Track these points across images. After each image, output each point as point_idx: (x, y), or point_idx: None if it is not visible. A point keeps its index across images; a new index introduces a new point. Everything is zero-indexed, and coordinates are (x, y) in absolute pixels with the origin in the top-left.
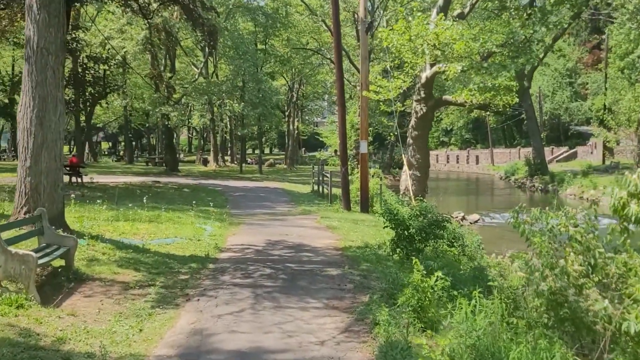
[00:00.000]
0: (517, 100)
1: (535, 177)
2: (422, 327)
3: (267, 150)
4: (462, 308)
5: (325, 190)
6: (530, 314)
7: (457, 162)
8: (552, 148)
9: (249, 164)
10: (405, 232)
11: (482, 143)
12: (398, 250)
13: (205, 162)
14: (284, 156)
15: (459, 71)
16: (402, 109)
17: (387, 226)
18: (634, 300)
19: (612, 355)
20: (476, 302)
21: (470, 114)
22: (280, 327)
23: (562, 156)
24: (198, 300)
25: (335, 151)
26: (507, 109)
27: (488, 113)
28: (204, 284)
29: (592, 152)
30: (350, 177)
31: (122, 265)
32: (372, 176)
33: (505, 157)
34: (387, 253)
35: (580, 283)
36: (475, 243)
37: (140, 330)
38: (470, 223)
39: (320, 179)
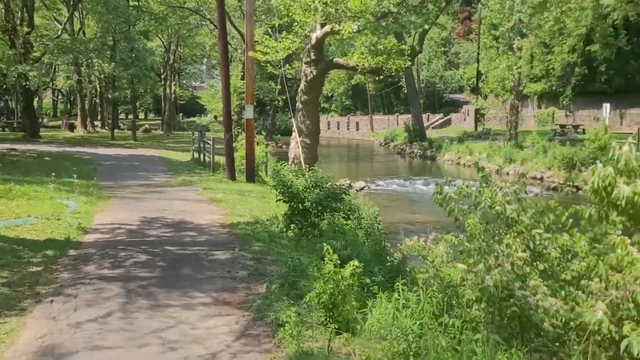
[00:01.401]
0: (409, 63)
1: (415, 143)
2: (335, 328)
3: (141, 116)
4: (382, 303)
5: (207, 159)
6: (467, 312)
7: (338, 128)
8: (428, 115)
9: (121, 129)
10: (300, 205)
11: (361, 110)
12: (292, 225)
13: (71, 128)
14: (160, 122)
15: (355, 31)
16: (291, 70)
17: (280, 199)
18: (582, 289)
19: None
20: (399, 295)
21: (350, 80)
22: (159, 337)
23: (437, 123)
24: (52, 301)
25: (215, 117)
26: (400, 73)
27: (380, 76)
28: (61, 277)
29: (465, 119)
30: (234, 145)
31: None
32: (257, 144)
33: (384, 123)
34: (280, 229)
35: (525, 273)
36: (372, 215)
37: None
38: (357, 191)
39: (202, 146)
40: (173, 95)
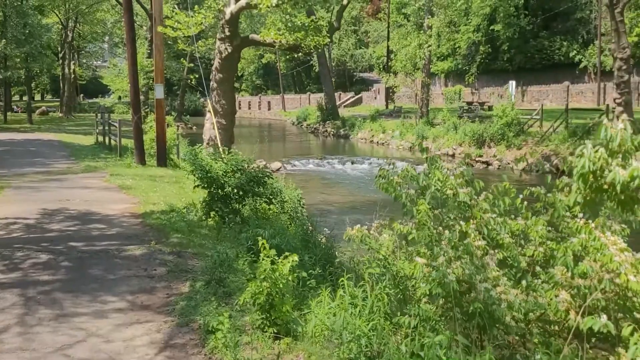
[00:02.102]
0: (328, 40)
1: (328, 122)
2: (274, 332)
3: (38, 97)
4: (325, 302)
5: (113, 142)
6: (422, 309)
7: (249, 108)
8: (340, 94)
9: (15, 112)
10: (220, 191)
11: (273, 89)
12: (212, 213)
13: None
14: (59, 104)
15: (274, 5)
16: (203, 48)
17: (198, 185)
18: (542, 278)
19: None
20: (345, 292)
21: (261, 59)
22: (66, 355)
23: (349, 102)
24: None
25: (120, 97)
26: (319, 50)
27: (299, 53)
28: None
29: (375, 98)
30: (142, 127)
31: None
32: (168, 125)
33: (296, 102)
34: (199, 218)
35: (484, 263)
36: (295, 198)
37: None
38: (273, 172)
39: (106, 128)
40: (72, 75)
